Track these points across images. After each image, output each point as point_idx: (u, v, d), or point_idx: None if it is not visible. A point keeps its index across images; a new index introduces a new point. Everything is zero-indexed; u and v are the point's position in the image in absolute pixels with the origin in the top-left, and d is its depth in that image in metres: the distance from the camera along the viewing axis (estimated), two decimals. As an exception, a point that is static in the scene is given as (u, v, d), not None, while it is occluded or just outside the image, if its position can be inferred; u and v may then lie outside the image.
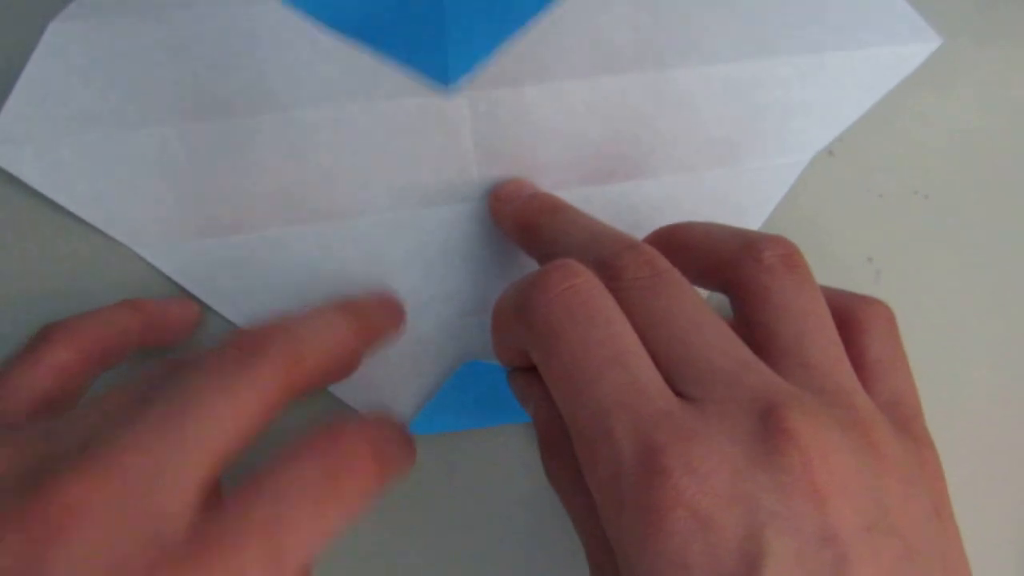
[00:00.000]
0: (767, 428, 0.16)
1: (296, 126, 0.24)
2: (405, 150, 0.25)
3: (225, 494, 0.18)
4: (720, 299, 0.21)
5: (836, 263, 0.27)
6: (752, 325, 0.19)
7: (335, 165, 0.25)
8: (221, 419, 0.17)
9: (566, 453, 0.21)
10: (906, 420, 0.20)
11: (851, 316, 0.21)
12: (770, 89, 0.26)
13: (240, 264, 0.25)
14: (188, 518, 0.16)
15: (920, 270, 0.28)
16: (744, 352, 0.18)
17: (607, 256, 0.19)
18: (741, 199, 0.26)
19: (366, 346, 0.22)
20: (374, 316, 0.23)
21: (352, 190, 0.25)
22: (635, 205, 0.26)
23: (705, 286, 0.21)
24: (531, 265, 0.24)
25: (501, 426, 0.27)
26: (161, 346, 0.24)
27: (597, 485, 0.17)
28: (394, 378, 0.26)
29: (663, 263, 0.19)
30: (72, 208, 0.24)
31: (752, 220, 0.26)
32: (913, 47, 0.26)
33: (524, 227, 0.23)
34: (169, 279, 0.25)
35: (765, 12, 0.25)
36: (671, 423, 0.16)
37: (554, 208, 0.23)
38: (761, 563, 0.15)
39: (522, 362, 0.22)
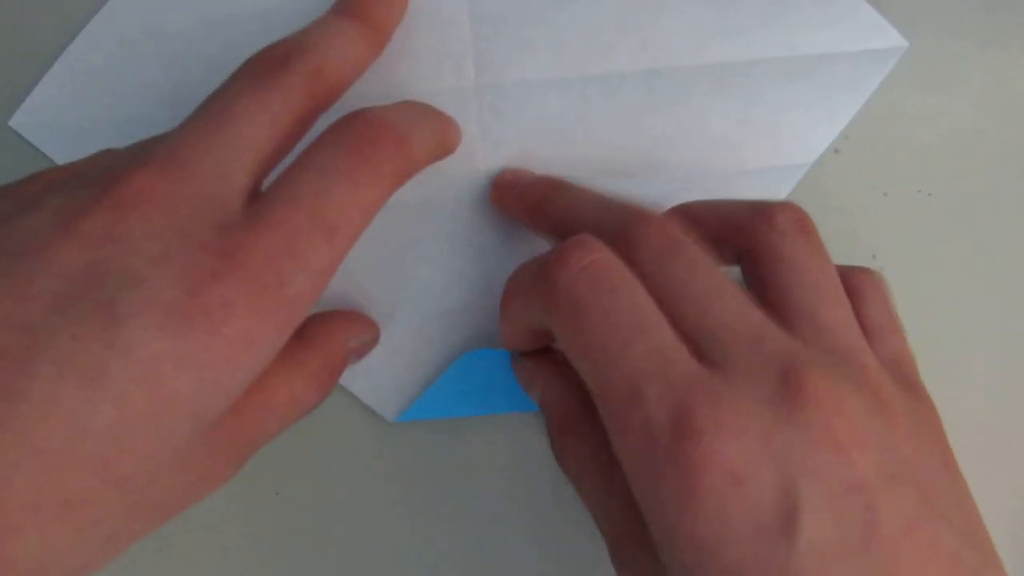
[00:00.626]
0: (788, 389, 0.17)
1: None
2: None
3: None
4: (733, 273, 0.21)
5: (840, 260, 0.26)
6: (766, 288, 0.20)
7: None
8: (258, 123, 0.19)
9: (579, 430, 0.22)
10: (907, 379, 0.20)
11: (848, 284, 0.21)
12: (759, 87, 0.26)
13: None
14: (242, 200, 0.18)
15: (924, 268, 0.28)
16: (760, 317, 0.19)
17: (621, 228, 0.20)
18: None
19: (378, 48, 0.23)
20: (377, 11, 0.23)
21: None
22: (640, 202, 0.26)
23: (719, 256, 0.22)
24: (535, 252, 0.25)
25: (503, 422, 0.27)
26: None
27: (628, 452, 0.18)
28: (397, 365, 0.26)
29: (676, 232, 0.20)
30: None
31: None
32: (881, 50, 0.26)
33: (533, 207, 0.24)
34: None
35: (740, 12, 0.26)
36: (700, 387, 0.17)
37: (561, 186, 0.24)
38: (798, 514, 0.16)
39: (529, 343, 0.23)
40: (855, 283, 0.21)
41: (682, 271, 0.19)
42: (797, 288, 0.20)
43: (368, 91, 0.25)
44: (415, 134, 0.21)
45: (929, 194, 0.28)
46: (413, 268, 0.26)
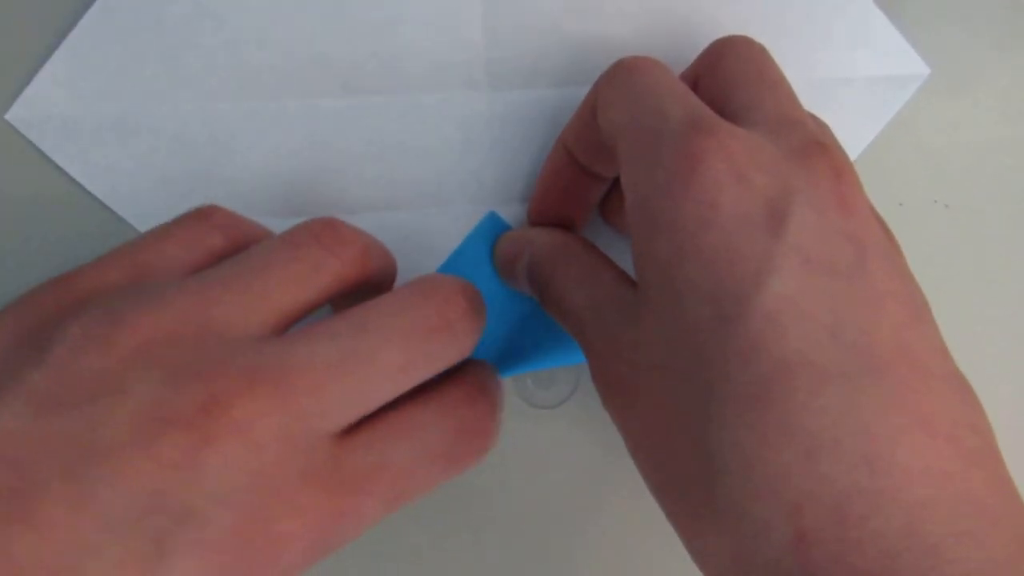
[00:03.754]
0: (811, 148, 0.18)
1: (318, 114, 0.24)
2: (420, 147, 0.25)
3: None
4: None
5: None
6: None
7: (351, 156, 0.25)
8: (393, 374, 0.18)
9: (571, 252, 0.22)
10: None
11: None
12: None
13: None
14: (331, 444, 0.17)
15: (940, 279, 0.27)
16: (808, 114, 0.20)
17: (712, 46, 0.22)
18: None
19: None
20: None
21: (366, 183, 0.25)
22: None
23: None
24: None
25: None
26: None
27: (632, 151, 0.19)
28: None
29: (765, 50, 0.21)
30: (82, 180, 0.24)
31: None
32: (904, 76, 0.26)
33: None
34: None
35: (760, 33, 0.25)
36: (719, 120, 0.18)
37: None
38: (786, 219, 0.17)
39: (564, 183, 0.24)
40: None
41: (759, 62, 0.21)
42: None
43: (376, 100, 0.24)
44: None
45: (946, 205, 0.27)
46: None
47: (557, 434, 0.26)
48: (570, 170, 0.23)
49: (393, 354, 0.18)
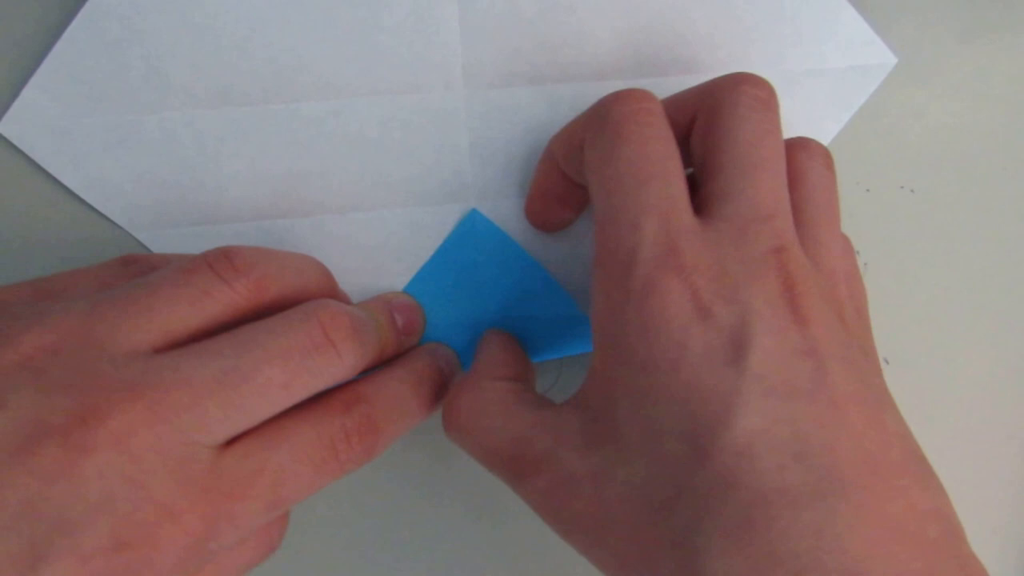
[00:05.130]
0: (771, 260, 0.19)
1: (301, 118, 0.25)
2: (402, 147, 0.25)
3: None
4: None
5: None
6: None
7: (334, 159, 0.25)
8: (275, 397, 0.19)
9: (556, 195, 0.25)
10: (864, 320, 0.23)
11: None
12: None
13: None
14: (209, 455, 0.18)
15: (906, 264, 0.28)
16: (785, 203, 0.20)
17: (719, 88, 0.21)
18: None
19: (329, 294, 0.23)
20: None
21: (349, 185, 0.25)
22: None
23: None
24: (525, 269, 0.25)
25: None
26: None
27: (607, 276, 0.20)
28: None
29: (775, 100, 0.22)
30: (76, 189, 0.25)
31: None
32: (871, 66, 0.27)
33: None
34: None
35: (730, 29, 0.26)
36: (692, 235, 0.19)
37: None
38: (747, 350, 0.18)
39: (554, 186, 0.24)
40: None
41: (750, 131, 0.21)
42: (817, 206, 0.22)
43: (357, 103, 0.25)
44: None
45: (912, 190, 0.28)
46: (401, 277, 0.26)
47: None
48: (559, 177, 0.24)
49: (274, 371, 0.19)
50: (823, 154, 0.22)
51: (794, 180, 0.22)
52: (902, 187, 0.28)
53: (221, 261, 0.20)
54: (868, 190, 0.28)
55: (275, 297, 0.21)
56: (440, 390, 0.24)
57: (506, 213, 0.26)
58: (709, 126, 0.21)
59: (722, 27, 0.26)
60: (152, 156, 0.25)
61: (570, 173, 0.23)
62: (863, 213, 0.28)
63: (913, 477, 0.18)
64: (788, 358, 0.18)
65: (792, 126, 0.26)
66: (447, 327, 0.26)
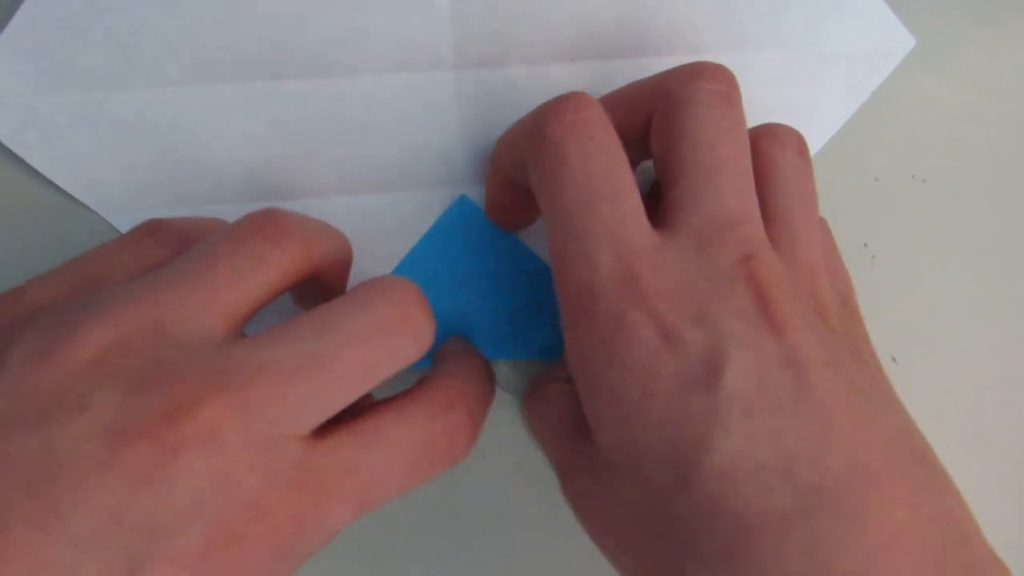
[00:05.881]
0: (740, 272, 0.18)
1: (283, 97, 0.24)
2: (389, 128, 0.24)
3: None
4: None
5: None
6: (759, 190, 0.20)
7: (317, 140, 0.24)
8: (360, 380, 0.18)
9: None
10: (852, 310, 0.22)
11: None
12: (752, 85, 0.25)
13: None
14: (300, 447, 0.17)
15: (916, 255, 0.27)
16: (751, 204, 0.19)
17: (674, 83, 0.20)
18: None
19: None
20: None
21: (334, 167, 0.24)
22: None
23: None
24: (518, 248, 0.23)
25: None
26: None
27: (569, 312, 0.19)
28: None
29: (736, 92, 0.20)
30: (43, 170, 0.23)
31: None
32: (888, 48, 0.26)
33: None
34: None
35: (744, 6, 0.25)
36: (650, 256, 0.18)
37: None
38: (722, 371, 0.17)
39: (508, 200, 0.23)
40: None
41: (714, 130, 0.19)
42: (787, 201, 0.20)
43: (340, 82, 0.24)
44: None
45: (923, 180, 0.27)
46: (389, 264, 0.25)
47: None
48: (512, 185, 0.23)
49: (355, 354, 0.17)
50: (795, 141, 0.21)
51: (764, 172, 0.20)
52: (912, 177, 0.27)
53: (269, 224, 0.19)
54: (877, 179, 0.27)
55: (320, 260, 0.20)
56: None
57: None
58: (665, 126, 0.20)
59: (731, 5, 0.25)
60: (123, 136, 0.23)
61: (521, 182, 0.22)
62: (871, 203, 0.27)
63: (912, 480, 0.17)
64: (766, 372, 0.17)
65: (802, 110, 0.25)
66: (435, 314, 0.25)
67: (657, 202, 0.20)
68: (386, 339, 0.18)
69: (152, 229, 0.21)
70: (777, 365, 0.17)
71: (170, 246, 0.20)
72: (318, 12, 0.23)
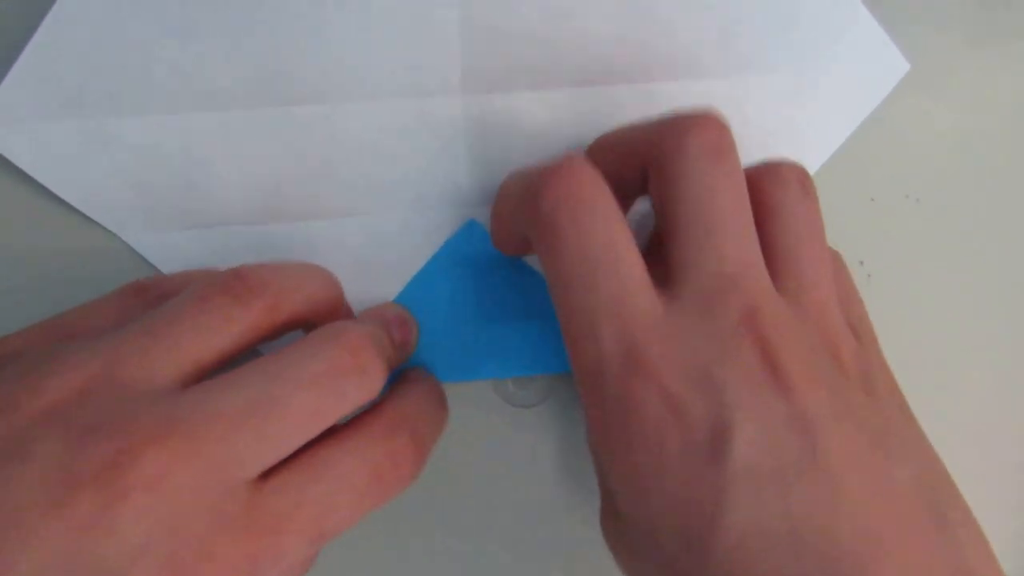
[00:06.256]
0: (744, 330, 0.18)
1: (292, 122, 0.24)
2: (397, 152, 0.25)
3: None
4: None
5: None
6: (762, 233, 0.20)
7: (327, 163, 0.25)
8: (310, 424, 0.18)
9: None
10: (867, 336, 0.22)
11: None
12: (752, 107, 0.26)
13: (228, 257, 0.25)
14: (246, 491, 0.17)
15: (911, 274, 0.28)
16: (752, 256, 0.19)
17: (664, 138, 0.20)
18: None
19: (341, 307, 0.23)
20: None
21: (342, 190, 0.25)
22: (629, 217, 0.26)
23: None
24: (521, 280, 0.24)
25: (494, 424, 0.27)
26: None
27: (582, 385, 0.19)
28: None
29: (727, 139, 0.20)
30: (60, 193, 0.24)
31: None
32: (884, 72, 0.26)
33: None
34: (156, 268, 0.25)
35: (743, 31, 0.25)
36: (653, 326, 0.18)
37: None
38: (728, 440, 0.17)
39: (515, 248, 0.23)
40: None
41: (707, 187, 0.19)
42: (788, 238, 0.20)
43: (349, 107, 0.24)
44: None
45: (917, 199, 0.27)
46: (394, 285, 0.25)
47: (535, 433, 0.27)
48: (514, 234, 0.23)
49: (304, 399, 0.18)
50: (797, 177, 0.21)
51: (766, 214, 0.20)
52: (907, 196, 0.27)
53: (236, 283, 0.19)
54: (872, 199, 0.27)
55: (291, 313, 0.20)
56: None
57: None
58: (659, 182, 0.20)
59: (730, 29, 0.25)
60: (137, 159, 0.24)
61: (523, 232, 0.22)
62: (867, 223, 0.27)
63: (926, 542, 0.17)
64: (774, 437, 0.17)
65: (800, 131, 0.26)
66: (441, 335, 0.25)
67: (660, 247, 0.20)
68: (336, 383, 0.19)
69: (138, 289, 0.22)
70: (785, 427, 0.17)
71: (152, 305, 0.20)
72: (327, 38, 0.24)
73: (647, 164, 0.20)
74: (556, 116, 0.25)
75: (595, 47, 0.25)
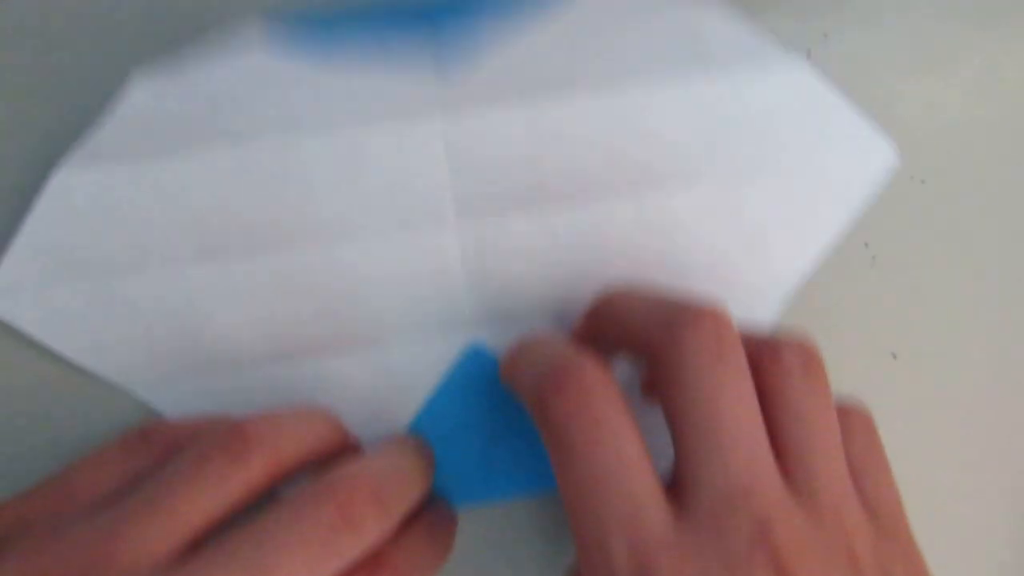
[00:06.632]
0: (757, 546, 0.18)
1: (292, 266, 0.24)
2: (397, 284, 0.25)
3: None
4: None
5: (832, 249, 0.26)
6: (768, 423, 0.20)
7: (328, 302, 0.24)
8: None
9: None
10: (889, 524, 0.21)
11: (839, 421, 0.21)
12: (746, 210, 0.25)
13: (236, 400, 0.25)
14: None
15: (916, 256, 0.28)
16: (761, 464, 0.19)
17: (661, 339, 0.19)
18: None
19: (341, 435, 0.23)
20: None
21: (345, 326, 0.25)
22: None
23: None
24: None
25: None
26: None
27: None
28: None
29: (725, 331, 0.19)
30: (67, 354, 0.24)
31: None
32: (876, 164, 0.25)
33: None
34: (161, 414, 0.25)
35: (731, 138, 0.25)
36: (665, 546, 0.18)
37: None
38: None
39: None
40: (845, 422, 0.21)
41: (710, 390, 0.19)
42: (797, 430, 0.19)
43: (346, 248, 0.24)
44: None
45: (922, 181, 0.27)
46: (403, 414, 0.26)
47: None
48: (521, 397, 0.22)
49: (295, 563, 0.18)
50: (801, 358, 0.20)
51: (770, 401, 0.20)
52: (912, 178, 0.27)
53: (235, 441, 0.20)
54: (877, 181, 0.27)
55: (291, 465, 0.21)
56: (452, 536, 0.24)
57: (510, 338, 0.25)
58: (659, 382, 0.19)
59: (717, 137, 0.24)
60: (141, 315, 0.24)
61: None
62: (873, 204, 0.27)
63: None
64: None
65: (795, 229, 0.26)
66: (455, 463, 0.26)
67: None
68: (326, 542, 0.19)
69: (145, 434, 0.22)
70: None
71: (159, 453, 0.21)
72: (320, 185, 0.24)
73: (645, 357, 0.20)
74: (550, 235, 0.25)
75: (584, 164, 0.24)
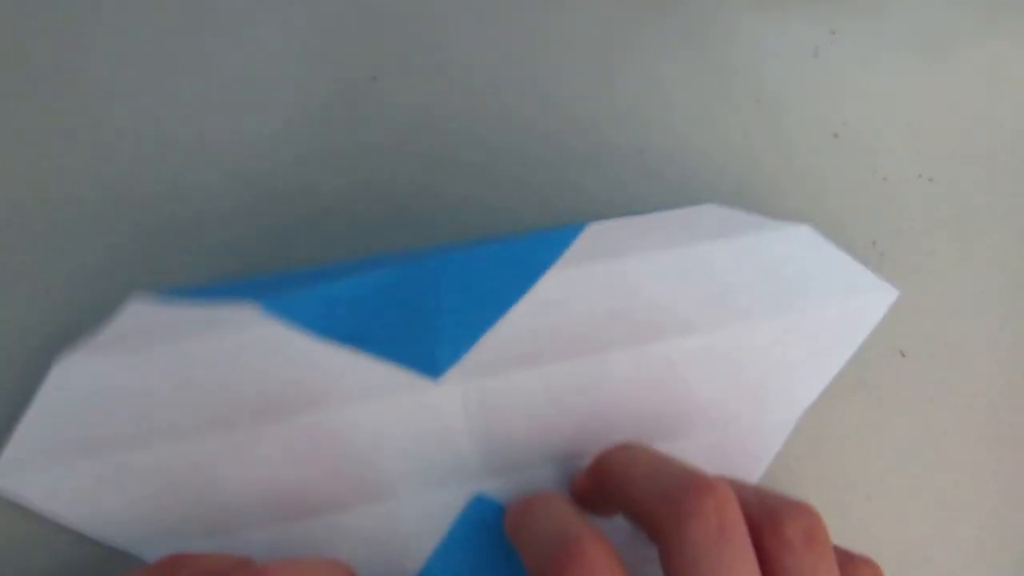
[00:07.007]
0: None
1: (295, 432, 0.24)
2: (401, 443, 0.25)
3: None
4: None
5: (840, 246, 0.26)
6: None
7: (335, 462, 0.25)
8: None
9: None
10: None
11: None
12: (747, 353, 0.26)
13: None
14: None
15: (924, 253, 0.28)
16: None
17: (663, 522, 0.19)
18: (734, 459, 0.26)
19: None
20: None
21: (352, 484, 0.25)
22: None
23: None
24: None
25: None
26: None
27: None
28: None
29: (731, 516, 0.19)
30: (76, 526, 0.24)
31: (748, 478, 0.26)
32: (874, 302, 0.26)
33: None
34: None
35: (728, 281, 0.25)
36: None
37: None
38: None
39: None
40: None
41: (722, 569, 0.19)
42: None
43: (350, 411, 0.25)
44: None
45: (930, 179, 0.27)
46: (407, 572, 0.26)
47: None
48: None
49: None
50: (802, 531, 0.20)
51: (770, 570, 0.19)
52: (920, 176, 0.27)
53: None
54: (885, 179, 0.27)
55: None
56: None
57: (515, 488, 0.26)
58: (661, 554, 0.19)
59: (714, 286, 0.25)
60: (148, 486, 0.24)
61: None
62: (880, 202, 0.27)
63: None
64: None
65: (796, 367, 0.26)
66: None
67: None
68: None
69: (175, 566, 0.21)
70: None
71: None
72: (320, 352, 0.24)
73: (646, 529, 0.20)
74: (552, 389, 0.25)
75: (580, 316, 0.25)
